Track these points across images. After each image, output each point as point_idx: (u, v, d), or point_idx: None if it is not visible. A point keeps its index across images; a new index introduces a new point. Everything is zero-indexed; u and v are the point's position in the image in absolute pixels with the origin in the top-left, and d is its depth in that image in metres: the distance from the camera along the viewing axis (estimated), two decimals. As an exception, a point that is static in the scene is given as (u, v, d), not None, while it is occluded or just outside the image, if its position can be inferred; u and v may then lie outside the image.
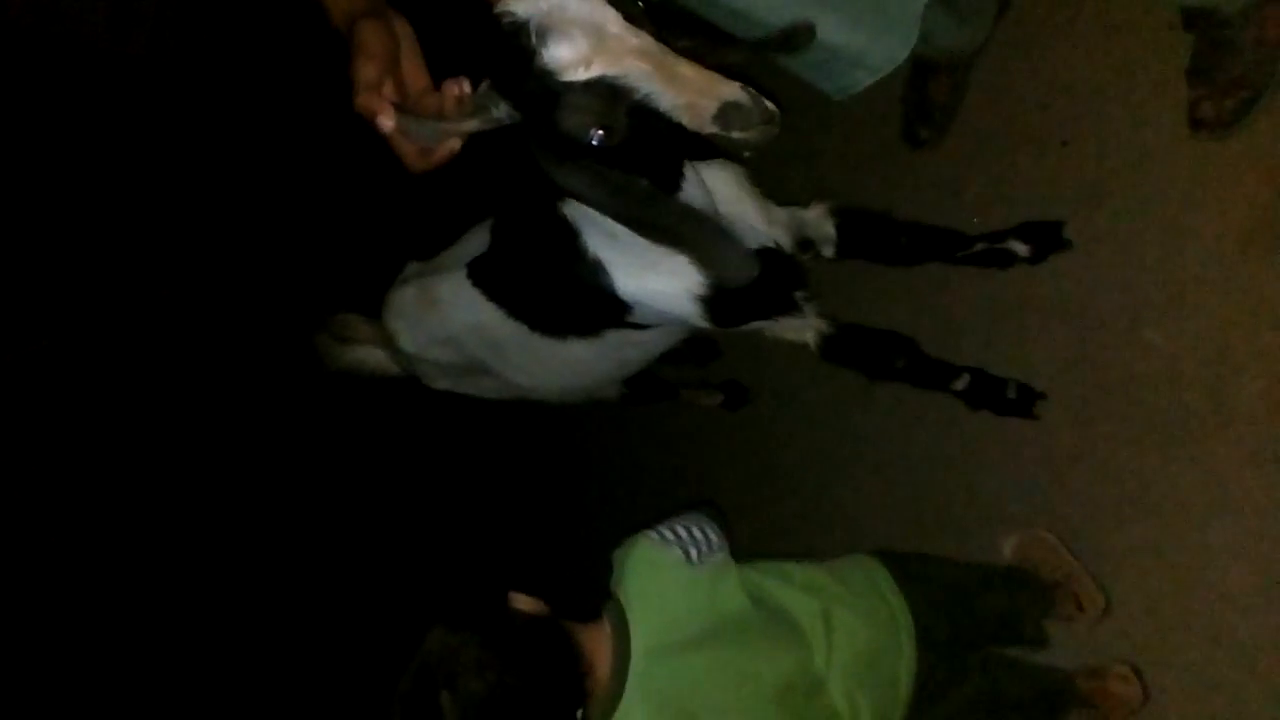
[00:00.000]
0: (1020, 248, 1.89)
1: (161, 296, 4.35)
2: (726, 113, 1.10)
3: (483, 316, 1.80)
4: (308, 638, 4.33)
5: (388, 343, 2.08)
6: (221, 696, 4.15)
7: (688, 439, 3.13)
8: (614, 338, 1.74)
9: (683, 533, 1.45)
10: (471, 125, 1.20)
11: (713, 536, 1.47)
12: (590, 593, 1.50)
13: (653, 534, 1.45)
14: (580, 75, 1.11)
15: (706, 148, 1.26)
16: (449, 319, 1.88)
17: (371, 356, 2.22)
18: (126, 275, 4.25)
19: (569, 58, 1.10)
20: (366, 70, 1.16)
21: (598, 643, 1.38)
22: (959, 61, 2.06)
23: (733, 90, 1.11)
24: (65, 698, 3.85)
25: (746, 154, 1.17)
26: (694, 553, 1.43)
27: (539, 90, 1.13)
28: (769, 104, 1.11)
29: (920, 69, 2.12)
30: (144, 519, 4.26)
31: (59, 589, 3.99)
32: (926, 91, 2.16)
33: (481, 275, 1.80)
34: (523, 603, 1.39)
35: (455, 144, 1.22)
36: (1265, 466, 1.59)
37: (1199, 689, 1.64)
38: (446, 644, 1.32)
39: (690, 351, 2.67)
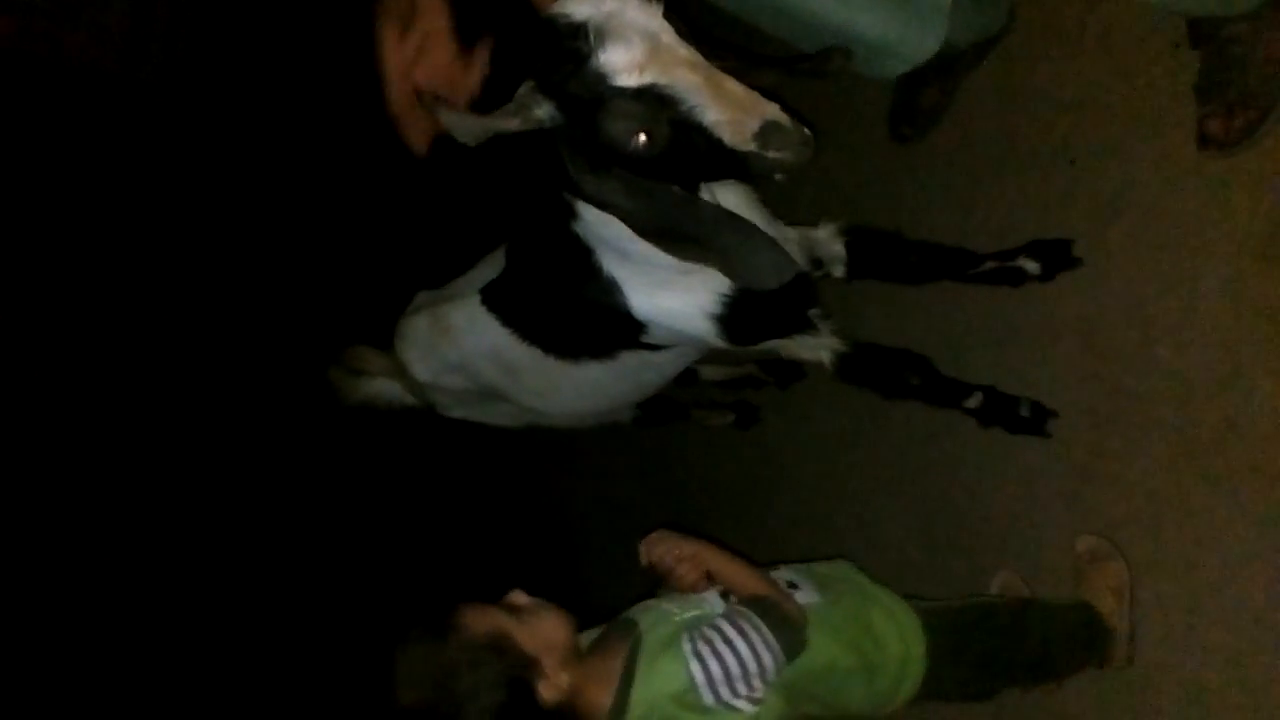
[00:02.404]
0: (1031, 266, 1.90)
1: (168, 324, 4.37)
2: (767, 131, 1.13)
3: (497, 342, 1.81)
4: (304, 645, 4.33)
5: (401, 374, 2.09)
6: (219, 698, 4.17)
7: (699, 458, 3.14)
8: (629, 359, 1.75)
9: (732, 665, 1.33)
10: (513, 124, 1.22)
11: (766, 662, 1.34)
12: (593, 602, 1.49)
13: (693, 662, 1.34)
14: (632, 81, 1.14)
15: (728, 169, 1.25)
16: (462, 346, 1.88)
17: (386, 388, 2.23)
18: (134, 303, 4.27)
19: (624, 62, 1.13)
20: (393, 56, 1.21)
21: (607, 671, 1.38)
22: (970, 54, 2.07)
23: (774, 110, 1.13)
24: (65, 698, 3.86)
25: (778, 176, 1.18)
26: (726, 697, 1.33)
27: (586, 92, 1.16)
28: (805, 129, 1.13)
29: (914, 74, 2.15)
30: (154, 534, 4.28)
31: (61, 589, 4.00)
32: (916, 98, 2.21)
33: (495, 300, 1.80)
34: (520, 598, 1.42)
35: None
36: (1277, 481, 1.58)
37: (1213, 706, 1.63)
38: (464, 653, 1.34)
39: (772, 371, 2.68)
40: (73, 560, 4.07)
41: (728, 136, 1.14)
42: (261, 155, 4.39)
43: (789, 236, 1.68)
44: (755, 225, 1.28)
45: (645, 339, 1.67)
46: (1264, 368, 1.62)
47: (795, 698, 1.42)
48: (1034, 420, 1.91)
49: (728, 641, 1.35)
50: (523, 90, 1.23)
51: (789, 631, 1.39)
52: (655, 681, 1.36)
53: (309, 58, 4.13)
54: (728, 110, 1.14)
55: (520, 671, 1.33)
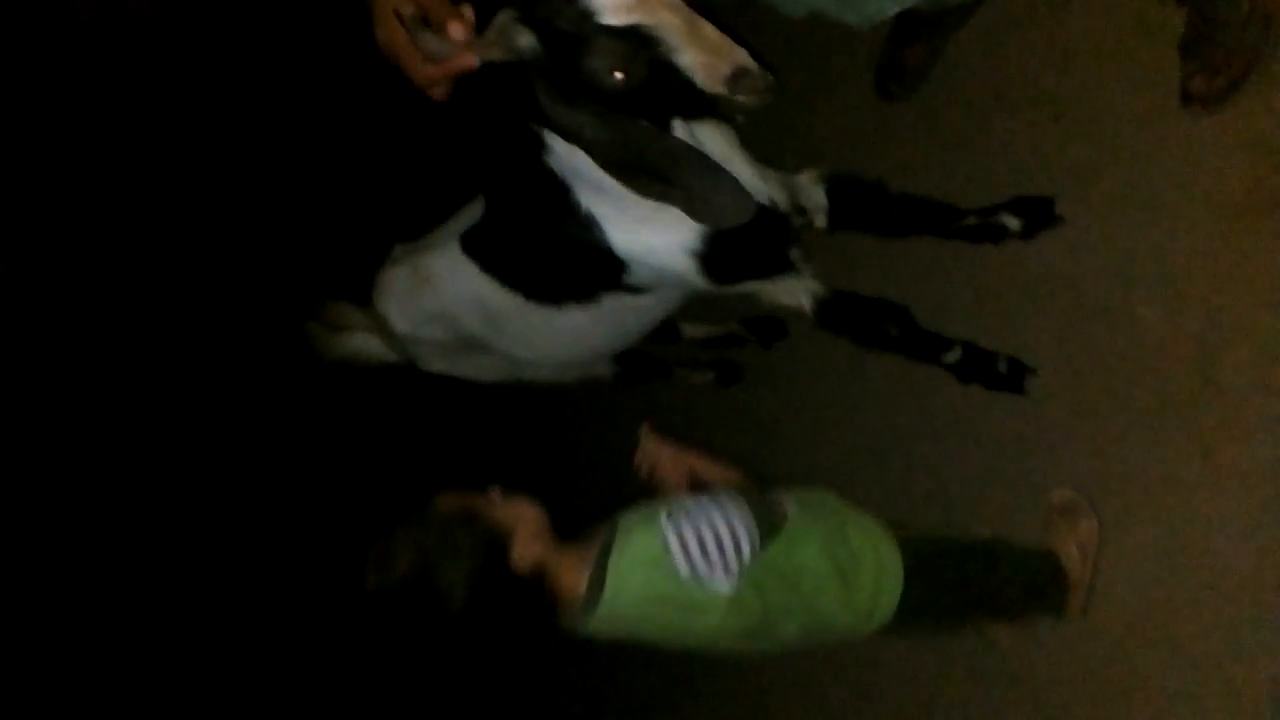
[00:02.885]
0: (1012, 222, 1.90)
1: (147, 284, 4.33)
2: (737, 76, 1.18)
3: (477, 289, 1.79)
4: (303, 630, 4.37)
5: (381, 328, 2.07)
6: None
7: (680, 416, 3.14)
8: (611, 303, 1.74)
9: (708, 537, 1.35)
10: (492, 53, 1.25)
11: (741, 536, 1.36)
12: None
13: (669, 530, 1.37)
14: (619, 21, 1.17)
15: (697, 108, 1.31)
16: (443, 294, 1.87)
17: (366, 344, 2.20)
18: (106, 259, 4.21)
19: (614, 2, 1.17)
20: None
21: (584, 557, 1.40)
22: (958, 11, 2.06)
23: (744, 56, 1.19)
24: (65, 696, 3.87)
25: (740, 118, 1.27)
26: (702, 570, 1.35)
27: (571, 28, 1.19)
28: (770, 75, 1.19)
29: (902, 31, 2.15)
30: (135, 507, 4.26)
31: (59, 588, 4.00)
32: (902, 55, 2.19)
33: (475, 245, 1.79)
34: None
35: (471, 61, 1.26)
36: (1252, 440, 1.60)
37: (1186, 664, 1.66)
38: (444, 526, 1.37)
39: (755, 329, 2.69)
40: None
41: (700, 79, 1.19)
42: (237, 109, 4.34)
43: (771, 177, 1.67)
44: (718, 164, 1.33)
45: (626, 279, 1.66)
46: (1243, 327, 1.63)
47: (770, 603, 1.42)
48: (1012, 377, 1.92)
49: (705, 512, 1.38)
50: (502, 19, 1.25)
51: (766, 511, 1.40)
52: (631, 550, 1.37)
53: (290, 15, 4.08)
54: (703, 54, 1.18)
55: (493, 540, 1.36)
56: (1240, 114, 1.66)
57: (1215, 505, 1.64)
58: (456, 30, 1.22)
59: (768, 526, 1.40)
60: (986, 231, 1.91)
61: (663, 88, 1.22)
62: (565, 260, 1.65)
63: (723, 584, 1.36)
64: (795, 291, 1.73)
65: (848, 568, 1.49)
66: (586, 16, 1.18)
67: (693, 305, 1.98)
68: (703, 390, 2.90)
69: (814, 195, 1.75)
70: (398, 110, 1.32)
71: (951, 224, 1.91)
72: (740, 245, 1.59)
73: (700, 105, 1.24)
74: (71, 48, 3.92)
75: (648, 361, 2.61)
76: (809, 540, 1.47)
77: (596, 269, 1.64)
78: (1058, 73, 1.94)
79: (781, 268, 1.69)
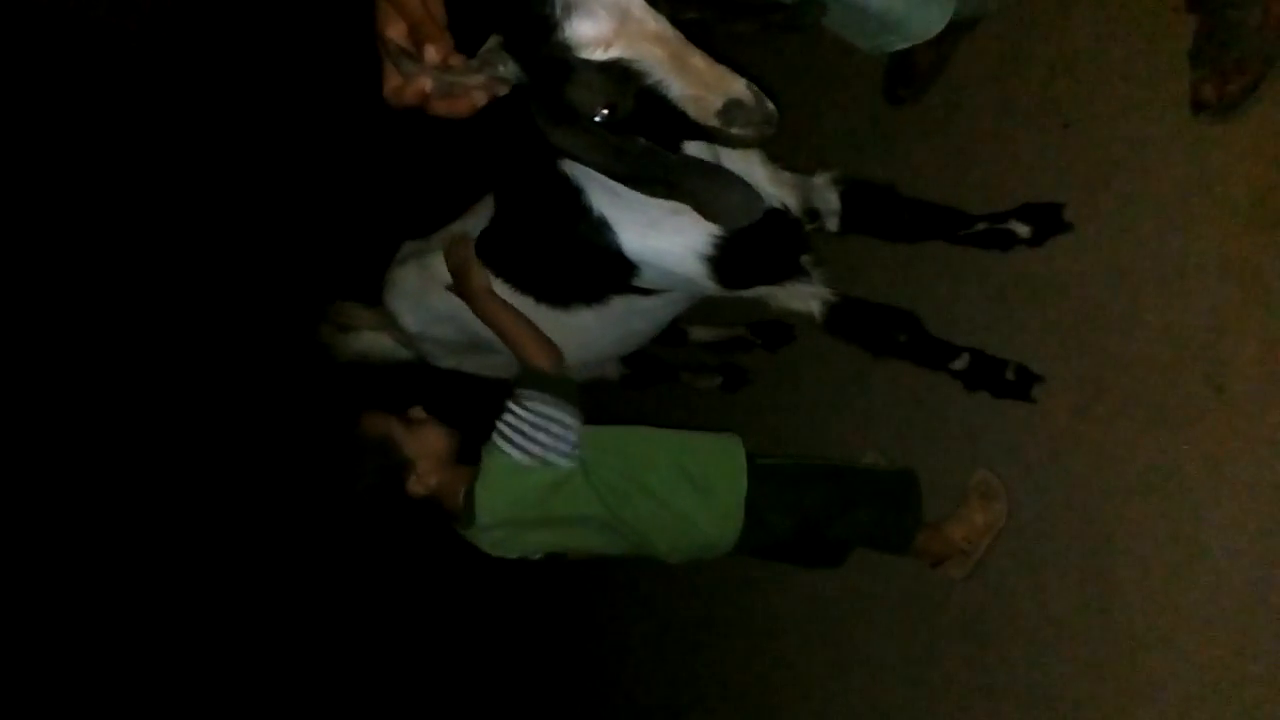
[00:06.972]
0: (1021, 229, 1.90)
1: (157, 283, 4.33)
2: (730, 109, 1.12)
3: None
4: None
5: (391, 325, 2.07)
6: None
7: (686, 419, 3.13)
8: (620, 305, 1.74)
9: (528, 428, 1.69)
10: (478, 80, 1.21)
11: (565, 420, 1.70)
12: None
13: (503, 443, 1.70)
14: (598, 55, 1.12)
15: (697, 134, 1.28)
16: (451, 296, 1.87)
17: (377, 343, 2.21)
18: (117, 259, 4.22)
19: (590, 36, 1.11)
20: (394, 29, 1.21)
21: (463, 486, 1.76)
22: (967, 26, 2.06)
23: (739, 88, 1.12)
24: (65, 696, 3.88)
25: (738, 148, 1.20)
26: (537, 450, 1.68)
27: (552, 60, 1.14)
28: (770, 105, 1.13)
29: None
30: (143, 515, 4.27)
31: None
32: (912, 59, 2.19)
33: (485, 247, 1.79)
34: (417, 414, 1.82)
35: (476, 101, 1.23)
36: (1262, 448, 1.59)
37: (1195, 673, 1.65)
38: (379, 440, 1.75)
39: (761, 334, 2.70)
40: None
41: (691, 111, 1.14)
42: (245, 108, 4.35)
43: (785, 181, 1.67)
44: (720, 168, 1.29)
45: (636, 281, 1.66)
46: (1252, 335, 1.62)
47: (629, 509, 1.74)
48: (1020, 384, 1.91)
49: (523, 416, 1.70)
50: (490, 45, 1.22)
51: (559, 385, 1.72)
52: (487, 472, 1.72)
53: (299, 15, 4.09)
54: (693, 87, 1.13)
55: (398, 468, 1.74)
56: (1251, 121, 1.65)
57: (1221, 516, 1.63)
58: (431, 54, 1.18)
59: (565, 393, 1.72)
60: (996, 238, 1.91)
61: (656, 118, 1.17)
62: (575, 261, 1.65)
63: (561, 460, 1.70)
64: (805, 297, 1.72)
65: (695, 472, 1.78)
66: (566, 49, 1.12)
67: (700, 308, 1.99)
68: (709, 394, 2.90)
69: (827, 198, 1.74)
70: (406, 108, 1.29)
71: (961, 230, 1.91)
72: (751, 250, 1.59)
73: (699, 133, 1.20)
74: (85, 47, 3.94)
75: (654, 365, 2.62)
76: (657, 446, 1.83)
77: (606, 271, 1.63)
78: (1067, 79, 1.94)
79: (792, 273, 1.69)
